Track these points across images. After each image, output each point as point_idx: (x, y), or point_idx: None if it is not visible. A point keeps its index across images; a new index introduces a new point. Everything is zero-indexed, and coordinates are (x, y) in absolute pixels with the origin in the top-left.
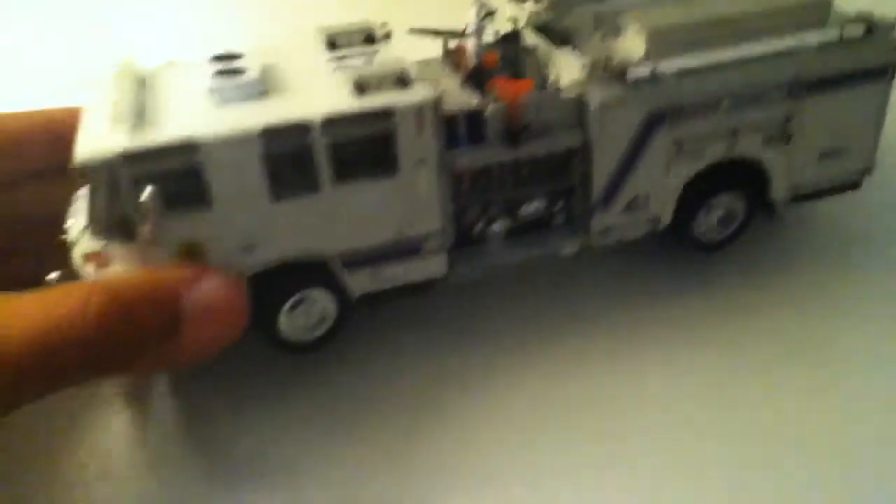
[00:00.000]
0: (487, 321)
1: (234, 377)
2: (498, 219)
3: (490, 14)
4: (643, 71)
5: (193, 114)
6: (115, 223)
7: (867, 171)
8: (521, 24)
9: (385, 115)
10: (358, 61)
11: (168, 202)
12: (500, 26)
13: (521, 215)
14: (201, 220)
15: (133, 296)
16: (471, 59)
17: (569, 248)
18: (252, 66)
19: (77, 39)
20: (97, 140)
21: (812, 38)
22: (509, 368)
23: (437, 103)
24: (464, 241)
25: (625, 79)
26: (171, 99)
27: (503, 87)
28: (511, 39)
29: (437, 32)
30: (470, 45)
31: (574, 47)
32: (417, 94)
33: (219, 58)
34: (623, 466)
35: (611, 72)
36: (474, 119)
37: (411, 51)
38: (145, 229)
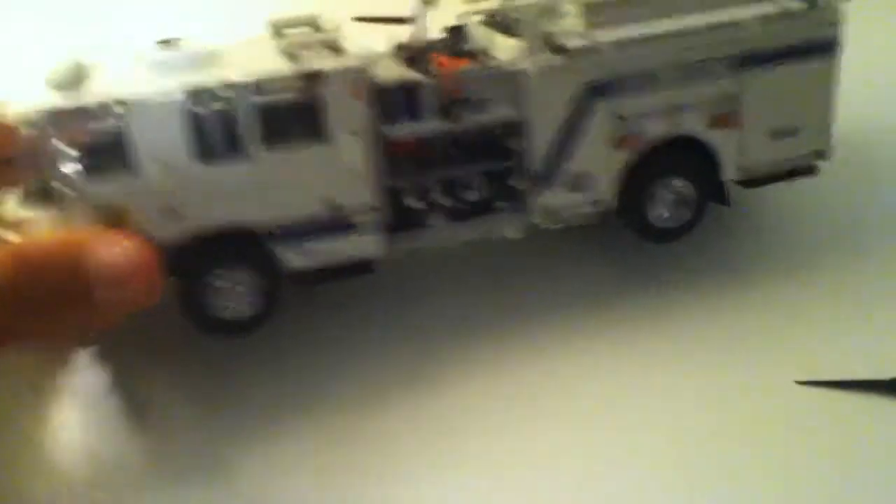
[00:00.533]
0: (432, 313)
1: (172, 369)
2: (439, 199)
3: (446, 30)
4: (578, 41)
5: (126, 81)
6: (38, 188)
7: (822, 154)
8: (469, 18)
9: (314, 78)
10: (305, 35)
11: (92, 164)
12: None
13: (463, 196)
14: (126, 183)
15: (42, 257)
16: (412, 42)
17: (512, 229)
18: (187, 41)
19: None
20: (27, 102)
21: (752, 10)
22: (454, 361)
23: (368, 69)
24: (405, 223)
25: (560, 50)
26: (109, 72)
27: (440, 61)
28: (457, 31)
29: (380, 19)
30: (412, 29)
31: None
32: (349, 59)
33: (165, 41)
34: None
35: (547, 44)
36: (411, 92)
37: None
38: (68, 193)
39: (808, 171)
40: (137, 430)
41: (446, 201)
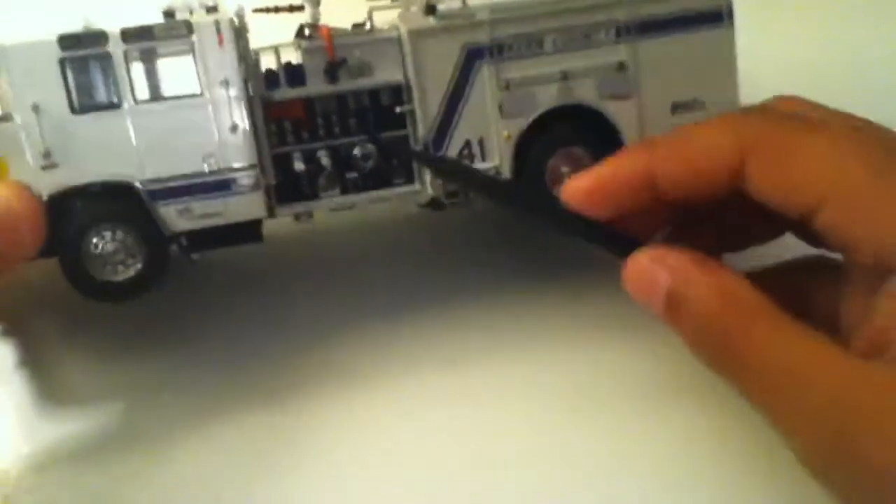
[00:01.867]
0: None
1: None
2: (327, 164)
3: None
4: (453, 3)
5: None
6: None
7: None
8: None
9: (183, 27)
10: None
11: None
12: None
13: (355, 165)
14: (1, 132)
15: None
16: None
17: (407, 203)
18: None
19: None
20: None
21: None
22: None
23: (238, 20)
24: (296, 194)
25: (431, 11)
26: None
27: (323, 29)
28: (362, 27)
29: (277, 9)
30: (306, 12)
31: None
32: (219, 14)
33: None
34: None
35: (422, 8)
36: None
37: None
38: None
39: None
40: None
41: (336, 170)
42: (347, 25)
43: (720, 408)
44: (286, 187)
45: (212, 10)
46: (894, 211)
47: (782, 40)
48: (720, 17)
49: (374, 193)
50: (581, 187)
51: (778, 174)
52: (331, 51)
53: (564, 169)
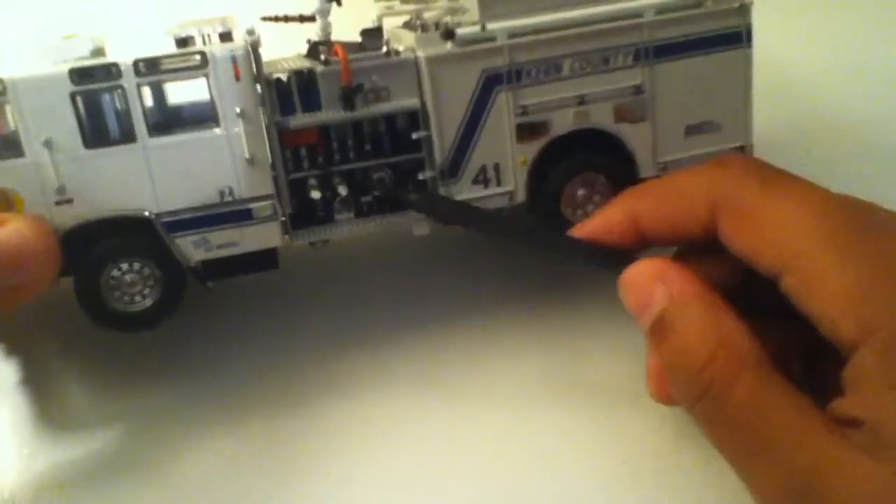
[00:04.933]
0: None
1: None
2: (343, 190)
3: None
4: (473, 29)
5: (16, 65)
6: None
7: (743, 150)
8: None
9: (198, 58)
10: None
11: None
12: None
13: (369, 190)
14: (13, 168)
15: None
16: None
17: (420, 227)
18: (87, 35)
19: None
20: None
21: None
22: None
23: (253, 49)
24: (311, 218)
25: (450, 36)
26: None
27: (339, 50)
28: (371, 35)
29: (286, 18)
30: (316, 26)
31: None
32: (234, 46)
33: (64, 37)
34: None
35: (442, 32)
36: (306, 81)
37: (276, 50)
38: None
39: None
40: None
41: (351, 194)
42: (352, 28)
43: None
44: (301, 211)
45: (226, 37)
46: (848, 289)
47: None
48: (739, 38)
49: (388, 219)
50: (581, 234)
51: (745, 237)
52: (347, 77)
53: (580, 192)
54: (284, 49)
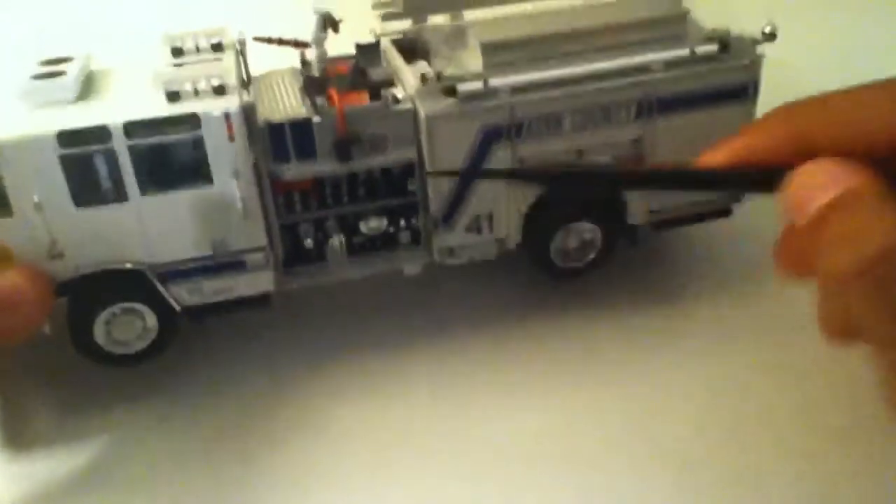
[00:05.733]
0: (329, 339)
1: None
2: (335, 235)
3: (332, 24)
4: (475, 85)
5: (2, 117)
6: None
7: (737, 197)
8: (380, 35)
9: (191, 120)
10: (190, 70)
11: None
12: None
13: (362, 232)
14: (3, 224)
15: None
16: (312, 70)
17: (411, 267)
18: (73, 71)
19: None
20: None
21: (661, 55)
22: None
23: (248, 111)
24: (301, 256)
25: (452, 93)
26: None
27: (335, 97)
28: (367, 51)
29: (280, 41)
30: (310, 55)
31: (428, 63)
32: (228, 101)
33: (48, 62)
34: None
35: (443, 86)
36: (301, 130)
37: (267, 60)
38: None
39: (724, 213)
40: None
41: (345, 237)
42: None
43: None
44: (293, 253)
45: (219, 91)
46: None
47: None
48: (745, 92)
49: (379, 264)
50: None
51: None
52: (343, 129)
53: (572, 244)
54: (275, 55)
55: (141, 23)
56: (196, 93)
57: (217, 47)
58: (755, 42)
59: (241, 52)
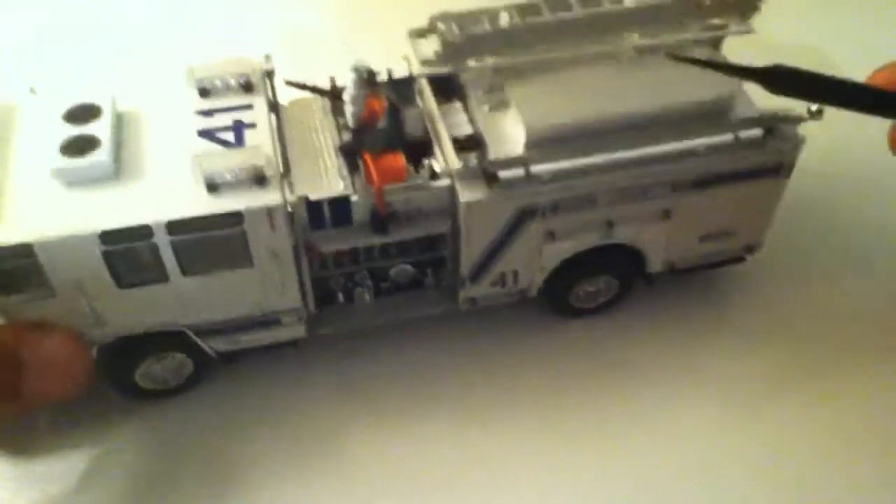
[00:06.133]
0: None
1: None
2: (364, 284)
3: (371, 79)
4: (516, 172)
5: (34, 201)
6: None
7: (753, 248)
8: (414, 64)
9: (234, 217)
10: (230, 158)
11: (6, 292)
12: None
13: (389, 280)
14: (45, 306)
15: None
16: (349, 122)
17: (435, 311)
18: (104, 137)
19: None
20: None
21: (704, 141)
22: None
23: (287, 206)
24: (329, 299)
25: (493, 180)
26: (12, 173)
27: (371, 168)
28: (402, 86)
29: (313, 89)
30: (347, 112)
31: (464, 107)
32: (269, 196)
33: (72, 115)
34: None
35: (484, 171)
36: (339, 204)
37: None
38: None
39: (736, 261)
40: None
41: (373, 285)
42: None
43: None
44: (322, 297)
45: (260, 181)
46: None
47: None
48: (779, 170)
49: (407, 310)
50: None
51: None
52: (382, 207)
53: (588, 288)
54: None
55: (141, 22)
56: (237, 182)
57: (247, 87)
58: (800, 121)
59: (269, 86)
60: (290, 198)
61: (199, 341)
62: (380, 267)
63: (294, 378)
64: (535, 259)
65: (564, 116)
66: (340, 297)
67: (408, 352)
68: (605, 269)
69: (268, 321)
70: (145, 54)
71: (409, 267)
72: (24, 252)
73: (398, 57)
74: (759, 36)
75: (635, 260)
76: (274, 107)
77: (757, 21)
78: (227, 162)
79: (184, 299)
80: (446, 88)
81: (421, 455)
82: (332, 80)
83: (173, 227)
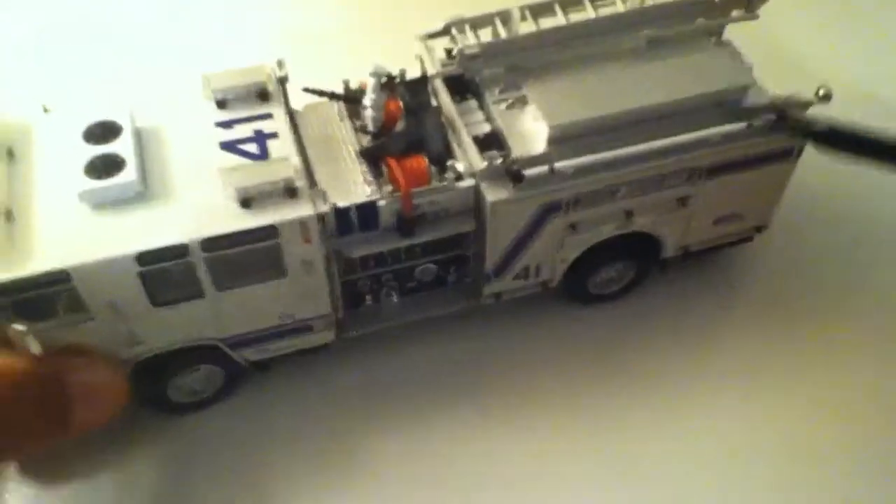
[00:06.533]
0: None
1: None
2: (390, 286)
3: (391, 86)
4: (541, 170)
5: (65, 226)
6: None
7: (761, 228)
8: (428, 66)
9: (268, 231)
10: (258, 170)
11: (43, 317)
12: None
13: (414, 279)
14: (82, 328)
15: (23, 379)
16: (368, 126)
17: (458, 308)
18: (128, 156)
19: None
20: None
21: (719, 129)
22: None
23: (321, 217)
24: (355, 302)
25: (519, 179)
26: (38, 195)
27: (396, 172)
28: (417, 86)
29: (332, 95)
30: (366, 116)
31: (479, 105)
32: (303, 208)
33: (91, 134)
34: None
35: (509, 170)
36: (367, 209)
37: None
38: (21, 345)
39: (745, 240)
40: None
41: (398, 286)
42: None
43: None
44: (349, 300)
45: (291, 193)
46: None
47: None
48: (790, 153)
49: (432, 308)
50: None
51: None
52: (409, 209)
53: (607, 274)
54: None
55: (141, 22)
56: (269, 195)
57: (263, 95)
58: (808, 105)
59: (283, 92)
60: (324, 208)
61: (231, 353)
62: (405, 267)
63: (319, 379)
64: (557, 251)
65: (585, 112)
66: (368, 299)
67: (426, 351)
68: (623, 256)
69: (299, 328)
70: (145, 54)
71: (432, 266)
72: (60, 278)
73: (399, 56)
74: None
75: (652, 246)
76: (290, 114)
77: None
78: (257, 176)
79: (218, 313)
80: (459, 87)
81: (445, 455)
82: (346, 83)
83: (209, 244)
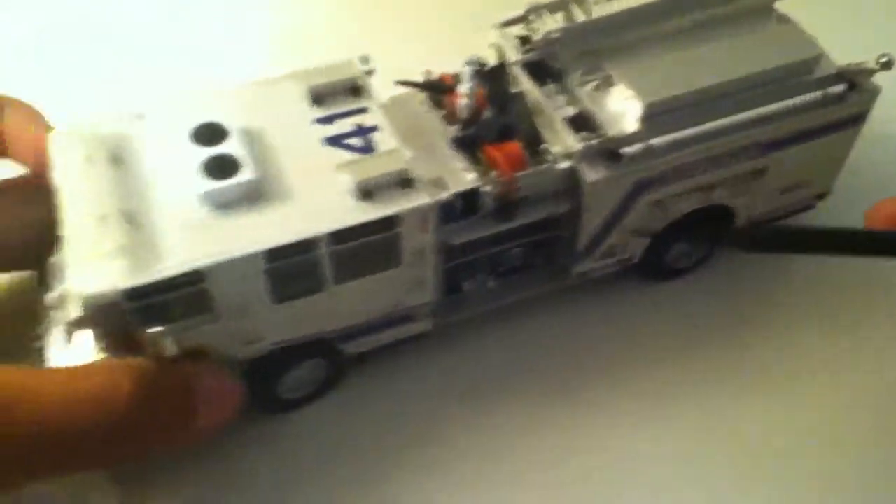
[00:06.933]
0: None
1: None
2: (484, 271)
3: (483, 76)
4: (636, 147)
5: (191, 229)
6: (116, 340)
7: (823, 195)
8: (507, 55)
9: (390, 221)
10: (371, 163)
11: (172, 320)
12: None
13: (506, 263)
14: (207, 330)
15: (159, 384)
16: (461, 115)
17: (548, 289)
18: (241, 156)
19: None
20: (92, 270)
21: (795, 101)
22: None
23: (438, 204)
24: (451, 289)
25: (619, 156)
26: (158, 199)
27: (495, 159)
28: (496, 75)
29: (424, 86)
30: (461, 104)
31: (562, 90)
32: (421, 197)
33: (200, 134)
34: None
35: (605, 149)
36: (470, 196)
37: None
38: (152, 349)
39: (807, 208)
40: None
41: (491, 271)
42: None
43: None
44: (445, 287)
45: (406, 184)
46: None
47: None
48: (857, 120)
49: (524, 291)
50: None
51: None
52: (513, 194)
53: (683, 247)
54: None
55: (141, 22)
56: (386, 188)
57: (355, 90)
58: (874, 72)
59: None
60: (443, 195)
61: (340, 345)
62: (498, 252)
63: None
64: (643, 227)
65: (676, 88)
66: (466, 285)
67: (510, 336)
68: (700, 230)
69: (401, 318)
70: (145, 54)
71: (523, 249)
72: (194, 279)
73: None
74: None
75: (726, 217)
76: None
77: None
78: (374, 168)
79: (332, 307)
80: (538, 73)
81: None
82: (434, 74)
83: (336, 237)
